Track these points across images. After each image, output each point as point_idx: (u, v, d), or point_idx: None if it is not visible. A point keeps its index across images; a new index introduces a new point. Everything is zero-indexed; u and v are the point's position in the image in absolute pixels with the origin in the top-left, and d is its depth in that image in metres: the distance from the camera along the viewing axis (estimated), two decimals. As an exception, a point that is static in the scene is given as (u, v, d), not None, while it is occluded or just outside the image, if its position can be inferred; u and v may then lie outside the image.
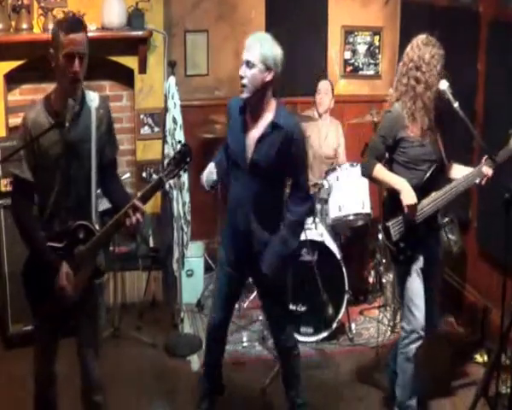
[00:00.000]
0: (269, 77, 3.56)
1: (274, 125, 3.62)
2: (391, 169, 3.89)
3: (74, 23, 3.10)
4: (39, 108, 3.11)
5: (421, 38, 3.75)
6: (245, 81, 3.56)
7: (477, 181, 3.75)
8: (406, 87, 3.75)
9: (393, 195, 3.82)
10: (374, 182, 4.08)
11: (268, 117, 3.64)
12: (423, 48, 3.70)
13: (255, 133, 3.65)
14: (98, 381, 3.38)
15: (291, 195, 3.78)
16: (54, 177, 3.12)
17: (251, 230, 3.71)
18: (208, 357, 4.11)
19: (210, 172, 3.81)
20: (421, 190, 3.79)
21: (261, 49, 3.54)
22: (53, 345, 3.34)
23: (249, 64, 3.55)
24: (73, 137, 3.10)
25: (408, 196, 3.74)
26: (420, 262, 3.85)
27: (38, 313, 3.26)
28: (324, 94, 5.63)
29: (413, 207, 3.74)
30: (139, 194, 3.17)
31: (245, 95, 3.59)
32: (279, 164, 3.65)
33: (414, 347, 3.83)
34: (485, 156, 3.74)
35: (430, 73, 3.68)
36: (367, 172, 3.91)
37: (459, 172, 3.87)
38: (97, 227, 3.20)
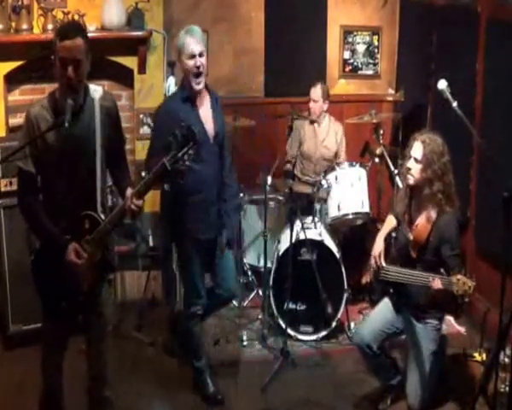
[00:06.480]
0: None
1: (216, 100, 4.11)
2: None
3: (70, 29, 3.16)
4: (44, 104, 3.17)
5: None
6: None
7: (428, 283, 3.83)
8: None
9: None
10: None
11: (205, 95, 4.05)
12: None
13: (206, 112, 4.03)
14: (108, 376, 3.45)
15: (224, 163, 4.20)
16: (58, 172, 3.17)
17: (217, 201, 4.10)
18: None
19: None
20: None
21: None
22: (62, 341, 3.38)
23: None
24: (77, 133, 3.15)
25: (374, 247, 4.15)
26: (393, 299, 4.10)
27: (49, 308, 3.29)
28: (313, 102, 5.51)
29: (373, 257, 4.11)
30: (142, 181, 3.15)
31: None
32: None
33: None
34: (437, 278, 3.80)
35: None
36: None
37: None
38: (103, 217, 3.23)
